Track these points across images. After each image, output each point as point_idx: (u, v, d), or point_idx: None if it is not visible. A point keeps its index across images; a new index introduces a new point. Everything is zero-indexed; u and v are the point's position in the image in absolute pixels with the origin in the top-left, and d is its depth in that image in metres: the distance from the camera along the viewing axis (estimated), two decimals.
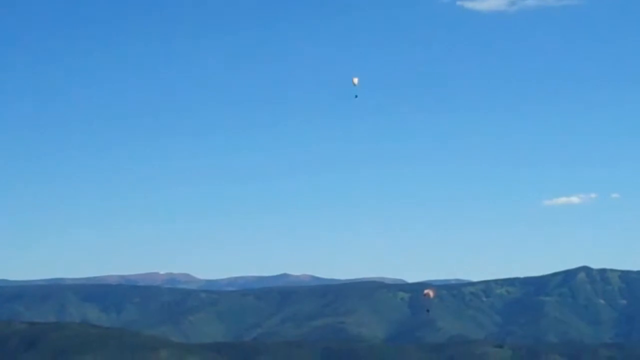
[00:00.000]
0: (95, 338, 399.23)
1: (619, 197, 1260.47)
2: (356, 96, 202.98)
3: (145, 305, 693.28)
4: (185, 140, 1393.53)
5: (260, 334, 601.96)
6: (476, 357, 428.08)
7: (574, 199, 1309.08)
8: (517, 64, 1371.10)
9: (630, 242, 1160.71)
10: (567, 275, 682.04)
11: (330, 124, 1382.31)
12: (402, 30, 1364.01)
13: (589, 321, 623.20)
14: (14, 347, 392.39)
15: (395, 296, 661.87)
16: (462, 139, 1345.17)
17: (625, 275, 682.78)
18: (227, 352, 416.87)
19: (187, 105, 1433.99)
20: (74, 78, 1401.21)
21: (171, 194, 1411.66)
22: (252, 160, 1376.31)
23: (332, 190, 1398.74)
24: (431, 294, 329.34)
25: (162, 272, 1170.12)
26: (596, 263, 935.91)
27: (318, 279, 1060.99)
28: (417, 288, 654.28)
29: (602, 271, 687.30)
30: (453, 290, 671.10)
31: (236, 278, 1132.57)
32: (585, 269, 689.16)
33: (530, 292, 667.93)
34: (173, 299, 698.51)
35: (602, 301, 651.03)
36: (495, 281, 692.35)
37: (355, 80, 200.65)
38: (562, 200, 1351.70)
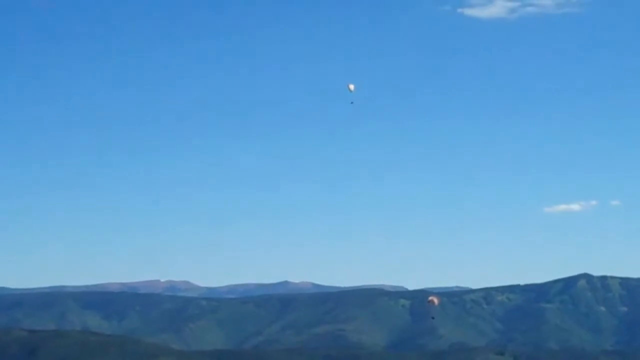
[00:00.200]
0: (96, 346, 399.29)
1: (620, 204, 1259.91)
2: (352, 102, 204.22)
3: (146, 312, 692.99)
4: (186, 147, 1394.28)
5: (260, 341, 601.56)
6: None
7: (575, 206, 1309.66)
8: (517, 71, 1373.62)
9: (631, 249, 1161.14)
10: (568, 283, 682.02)
11: (331, 131, 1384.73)
12: (403, 37, 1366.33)
13: (590, 328, 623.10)
14: (15, 355, 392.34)
15: (396, 303, 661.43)
16: (463, 146, 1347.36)
17: (625, 282, 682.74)
18: None
19: (188, 111, 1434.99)
20: (75, 81, 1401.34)
21: (172, 201, 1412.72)
22: (252, 168, 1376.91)
23: (332, 197, 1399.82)
24: (435, 301, 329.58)
25: (162, 280, 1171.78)
26: (597, 270, 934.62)
27: (318, 286, 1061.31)
28: (418, 295, 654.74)
29: (603, 278, 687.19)
30: (454, 298, 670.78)
31: (236, 285, 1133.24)
32: (586, 276, 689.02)
33: (531, 299, 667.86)
34: (174, 307, 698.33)
35: (602, 308, 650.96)
36: (496, 288, 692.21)
37: (351, 86, 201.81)
38: (563, 207, 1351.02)
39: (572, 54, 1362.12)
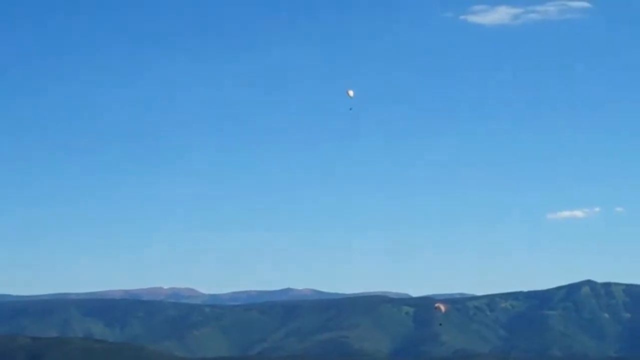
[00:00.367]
0: (99, 353, 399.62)
1: (623, 211, 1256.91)
2: (351, 109, 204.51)
3: (149, 320, 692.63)
4: (189, 155, 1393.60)
5: (264, 348, 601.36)
6: None
7: (578, 213, 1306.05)
8: (520, 77, 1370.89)
9: (635, 256, 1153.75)
10: (571, 289, 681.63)
11: (332, 138, 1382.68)
12: (405, 44, 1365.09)
13: (593, 335, 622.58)
14: None
15: (400, 310, 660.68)
16: (466, 153, 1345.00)
17: (629, 289, 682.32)
18: None
19: (189, 118, 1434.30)
20: (75, 86, 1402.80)
21: (175, 208, 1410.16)
22: (254, 175, 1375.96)
23: (335, 204, 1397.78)
24: (442, 307, 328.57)
25: (165, 287, 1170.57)
26: (600, 277, 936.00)
27: (322, 293, 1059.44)
28: (422, 302, 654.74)
29: (606, 285, 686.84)
30: (457, 305, 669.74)
31: (240, 292, 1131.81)
32: (590, 283, 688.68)
33: (535, 306, 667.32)
34: (177, 314, 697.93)
35: (606, 315, 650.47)
36: (500, 295, 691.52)
37: (351, 92, 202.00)
38: (566, 214, 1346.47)
39: (575, 61, 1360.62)
